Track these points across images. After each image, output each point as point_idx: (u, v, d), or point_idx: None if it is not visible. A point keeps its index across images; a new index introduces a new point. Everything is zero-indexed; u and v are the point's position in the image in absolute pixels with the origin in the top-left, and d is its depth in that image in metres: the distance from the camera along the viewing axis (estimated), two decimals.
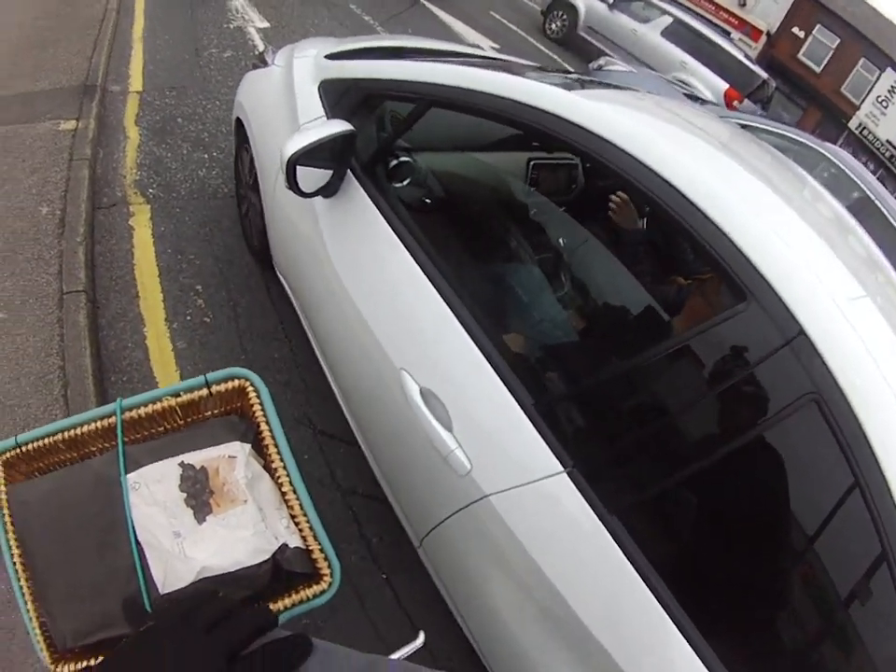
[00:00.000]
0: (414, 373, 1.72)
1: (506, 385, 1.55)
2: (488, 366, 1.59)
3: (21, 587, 0.93)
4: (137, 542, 0.94)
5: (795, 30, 20.07)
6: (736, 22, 19.86)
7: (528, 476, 1.46)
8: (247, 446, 1.08)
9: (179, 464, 1.03)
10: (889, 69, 17.99)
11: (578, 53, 11.88)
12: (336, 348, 2.24)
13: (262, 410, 1.11)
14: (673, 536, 1.46)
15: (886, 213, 5.17)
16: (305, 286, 2.43)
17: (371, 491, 2.40)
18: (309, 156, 1.89)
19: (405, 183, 2.17)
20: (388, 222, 1.95)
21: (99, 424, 1.03)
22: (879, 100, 18.25)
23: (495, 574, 1.59)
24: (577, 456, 1.42)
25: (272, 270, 2.96)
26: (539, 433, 1.47)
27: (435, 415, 1.63)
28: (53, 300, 2.84)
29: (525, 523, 1.47)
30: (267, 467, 1.11)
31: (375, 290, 1.95)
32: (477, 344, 1.63)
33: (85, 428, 1.03)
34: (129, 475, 0.99)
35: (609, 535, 1.33)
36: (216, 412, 1.15)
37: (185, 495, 1.00)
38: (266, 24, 6.93)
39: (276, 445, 1.09)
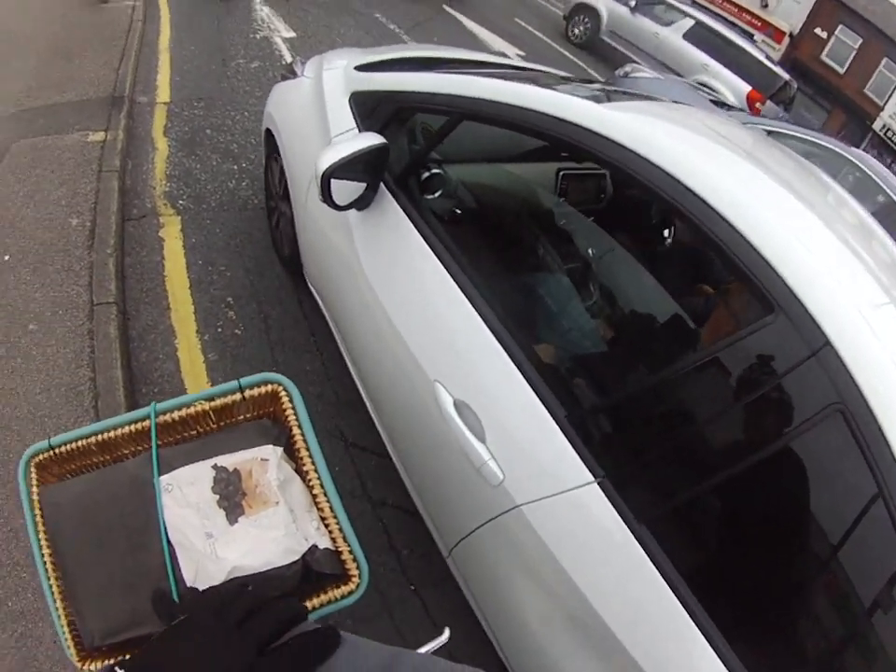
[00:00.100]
0: (448, 385, 1.72)
1: (538, 396, 1.56)
2: (520, 377, 1.60)
3: (50, 586, 0.96)
4: (169, 543, 0.97)
5: (818, 30, 19.86)
6: (759, 24, 19.72)
7: (560, 486, 1.46)
8: (279, 449, 1.11)
9: (212, 466, 1.06)
10: None
11: (602, 59, 11.89)
12: (369, 360, 2.24)
13: (295, 414, 1.14)
14: (701, 545, 1.47)
15: None
16: (338, 297, 2.44)
17: (401, 503, 2.41)
18: (343, 169, 1.90)
19: (437, 195, 2.18)
20: (421, 234, 1.96)
21: (132, 427, 1.07)
22: None
23: (524, 583, 1.59)
24: (607, 466, 1.43)
25: (303, 281, 2.96)
26: (571, 443, 1.47)
27: (469, 427, 1.64)
28: (84, 311, 2.86)
29: (556, 532, 1.47)
30: (298, 470, 1.14)
31: (408, 302, 1.96)
32: (509, 355, 1.64)
33: (118, 432, 1.06)
34: (162, 477, 1.02)
35: (638, 544, 1.33)
36: (248, 416, 1.19)
37: (217, 496, 1.03)
38: (292, 34, 6.98)
39: (308, 449, 1.12)
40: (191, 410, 1.10)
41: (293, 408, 1.14)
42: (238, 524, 1.02)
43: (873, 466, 1.10)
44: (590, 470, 1.43)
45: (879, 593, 1.15)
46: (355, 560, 1.05)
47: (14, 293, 2.88)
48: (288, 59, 6.12)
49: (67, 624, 0.94)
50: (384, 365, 2.10)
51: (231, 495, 1.04)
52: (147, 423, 1.07)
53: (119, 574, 0.95)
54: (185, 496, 1.01)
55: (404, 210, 2.03)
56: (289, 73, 3.21)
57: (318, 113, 2.57)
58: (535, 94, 1.78)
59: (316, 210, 2.44)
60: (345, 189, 2.02)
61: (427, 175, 2.16)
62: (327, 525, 1.08)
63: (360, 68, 2.65)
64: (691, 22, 11.54)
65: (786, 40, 19.89)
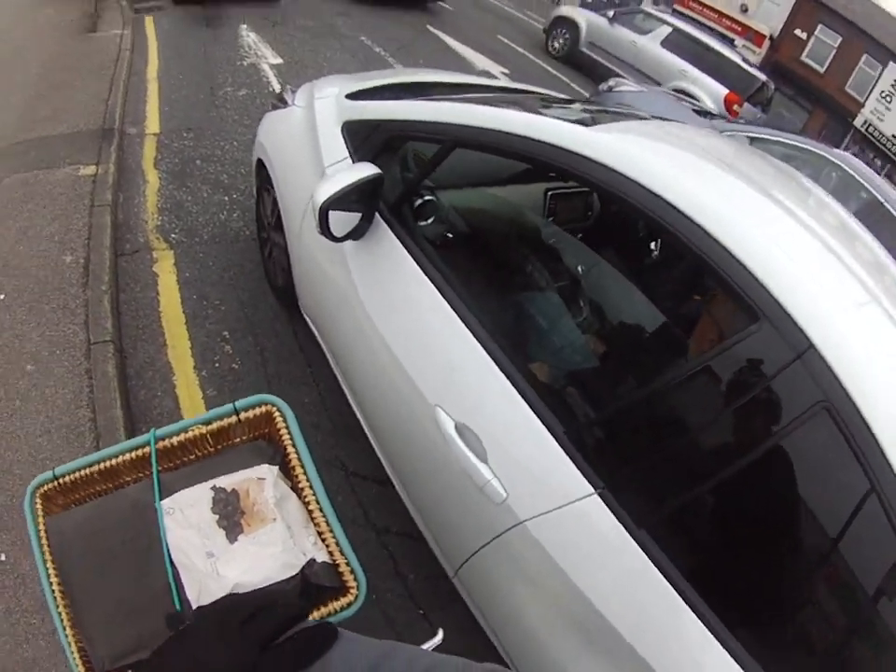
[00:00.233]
0: (448, 409, 1.75)
1: (536, 413, 1.60)
2: (518, 396, 1.64)
3: (59, 613, 0.97)
4: (172, 564, 0.99)
5: (797, 32, 20.07)
6: (739, 29, 20.00)
7: (561, 500, 1.51)
8: (275, 468, 1.15)
9: (211, 488, 1.09)
10: (891, 63, 17.99)
11: (585, 72, 11.99)
12: (367, 388, 2.26)
13: (289, 433, 1.17)
14: (701, 545, 1.51)
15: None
16: (334, 326, 2.45)
17: (404, 529, 2.41)
18: (339, 201, 1.93)
19: (430, 221, 2.21)
20: (415, 260, 1.99)
21: (133, 454, 1.09)
22: (883, 95, 18.28)
23: (530, 595, 1.63)
24: (606, 477, 1.47)
25: (297, 312, 2.97)
26: (570, 458, 1.52)
27: (471, 448, 1.67)
28: (81, 350, 2.85)
29: (560, 544, 1.52)
30: (294, 487, 1.16)
31: (406, 329, 1.98)
32: (506, 376, 1.68)
33: (120, 459, 1.09)
34: (163, 501, 1.05)
35: (640, 548, 1.38)
36: (245, 437, 1.22)
37: (217, 516, 1.06)
38: (279, 60, 7.01)
39: (303, 466, 1.15)
40: (189, 434, 1.13)
41: (287, 428, 1.16)
42: (238, 542, 1.05)
43: (859, 456, 1.16)
44: (590, 482, 1.48)
45: (881, 583, 1.19)
46: (353, 572, 1.08)
47: (10, 333, 2.87)
48: (276, 85, 6.17)
49: (77, 651, 0.95)
50: (383, 392, 2.11)
51: (230, 514, 1.07)
52: (147, 449, 1.09)
53: (126, 597, 0.97)
54: (186, 517, 1.04)
55: (398, 238, 2.06)
56: (280, 102, 3.21)
57: (311, 143, 2.58)
58: (524, 121, 1.82)
59: (311, 241, 2.45)
60: (341, 220, 2.04)
61: (419, 201, 2.18)
62: (324, 540, 1.11)
63: (351, 96, 2.66)
64: (668, 30, 11.68)
65: (766, 43, 20.15)
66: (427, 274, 1.95)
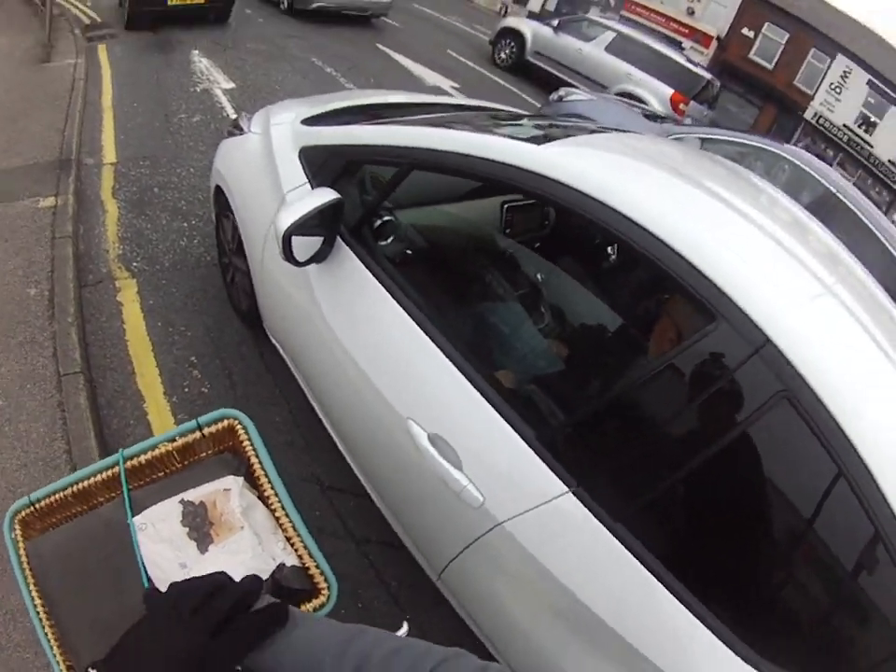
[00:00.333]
0: (420, 421, 1.81)
1: (506, 420, 1.67)
2: (486, 404, 1.71)
3: (46, 634, 1.00)
4: (149, 579, 1.03)
5: (745, 31, 20.56)
6: (687, 31, 20.41)
7: (538, 499, 1.57)
8: (240, 479, 1.18)
9: (180, 501, 1.13)
10: (839, 55, 18.50)
11: (535, 82, 12.13)
12: (340, 406, 2.30)
13: (252, 445, 1.20)
14: (676, 533, 1.59)
15: (849, 204, 5.34)
16: (302, 348, 2.49)
17: (384, 538, 2.44)
18: (302, 227, 1.97)
19: (389, 240, 2.25)
20: (377, 279, 2.04)
21: (104, 475, 1.13)
22: (832, 87, 18.81)
23: (514, 592, 1.71)
24: (579, 475, 1.54)
25: (262, 333, 2.98)
26: (542, 459, 1.59)
27: (445, 457, 1.73)
28: (51, 383, 2.83)
29: (538, 541, 1.59)
30: (260, 496, 1.20)
31: (372, 346, 2.04)
32: (473, 385, 1.74)
33: (92, 480, 1.13)
34: (135, 517, 1.09)
35: (615, 539, 1.45)
36: (210, 452, 1.25)
37: (187, 529, 1.11)
38: (232, 85, 7.00)
39: (267, 475, 1.19)
40: (157, 452, 1.16)
41: (249, 439, 1.20)
42: (209, 552, 1.08)
43: (822, 440, 1.24)
44: (563, 481, 1.54)
45: (855, 559, 1.29)
46: (322, 574, 1.11)
47: None
48: (230, 110, 6.17)
49: (66, 670, 0.98)
50: (355, 409, 2.16)
51: (200, 526, 1.11)
52: (116, 469, 1.12)
53: (107, 614, 0.99)
54: (158, 532, 1.08)
55: (360, 258, 2.11)
56: (236, 128, 3.21)
57: (269, 169, 2.60)
58: (478, 142, 1.90)
59: (274, 266, 2.49)
60: (303, 245, 2.08)
61: (378, 222, 2.22)
62: (293, 545, 1.14)
63: (307, 121, 2.69)
64: (612, 35, 11.90)
65: (714, 44, 20.56)
66: (389, 291, 2.00)
